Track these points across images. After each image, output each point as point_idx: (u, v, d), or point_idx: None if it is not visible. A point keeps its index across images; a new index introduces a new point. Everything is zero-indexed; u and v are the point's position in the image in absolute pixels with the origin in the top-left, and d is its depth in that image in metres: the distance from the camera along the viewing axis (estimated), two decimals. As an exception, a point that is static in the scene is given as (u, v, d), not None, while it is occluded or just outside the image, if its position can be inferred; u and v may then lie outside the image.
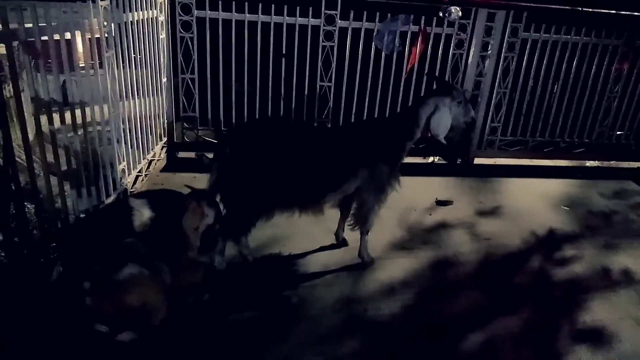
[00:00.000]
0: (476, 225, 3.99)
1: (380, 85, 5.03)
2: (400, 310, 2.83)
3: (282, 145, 2.71)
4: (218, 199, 2.85)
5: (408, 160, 5.15)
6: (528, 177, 5.17)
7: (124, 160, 3.59)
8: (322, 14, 4.61)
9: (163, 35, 4.38)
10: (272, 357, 2.40)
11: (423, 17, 4.76)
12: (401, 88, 5.05)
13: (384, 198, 3.06)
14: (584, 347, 2.63)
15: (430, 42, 4.90)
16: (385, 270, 3.23)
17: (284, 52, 4.73)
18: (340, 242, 3.46)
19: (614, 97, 5.47)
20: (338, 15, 4.64)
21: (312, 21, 4.65)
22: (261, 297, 2.88)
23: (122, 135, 3.55)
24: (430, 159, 5.52)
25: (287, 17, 4.60)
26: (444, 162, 5.50)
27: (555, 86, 5.32)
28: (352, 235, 3.36)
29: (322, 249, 3.43)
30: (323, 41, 4.72)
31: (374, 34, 4.81)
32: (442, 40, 4.92)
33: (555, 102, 5.38)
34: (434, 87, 3.18)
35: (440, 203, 4.35)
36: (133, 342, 2.38)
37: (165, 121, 4.65)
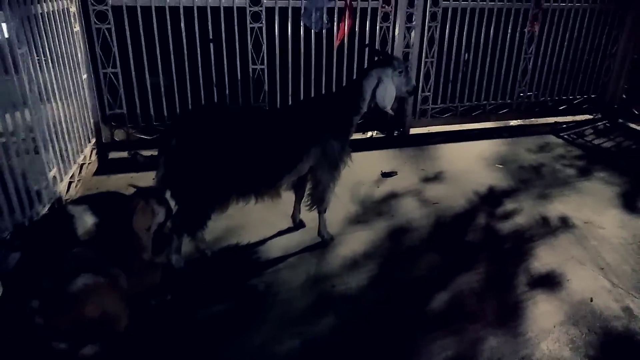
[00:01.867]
0: (422, 191, 4.12)
1: (313, 64, 4.99)
2: (367, 282, 2.88)
3: (231, 130, 2.61)
4: (168, 195, 2.71)
5: (348, 136, 5.35)
6: (461, 142, 5.42)
7: (54, 167, 3.29)
8: (247, -5, 4.48)
9: (77, 28, 4.03)
10: (247, 346, 2.35)
11: (349, -9, 4.77)
12: (334, 65, 5.05)
13: (337, 175, 3.06)
14: (540, 290, 2.83)
15: (357, 17, 4.93)
16: (345, 245, 3.26)
17: (210, 37, 4.55)
18: (298, 224, 3.44)
19: (529, 57, 5.85)
20: (263, -6, 4.53)
21: (237, 2, 4.50)
22: (227, 289, 2.79)
23: (48, 140, 3.24)
24: (369, 134, 5.60)
25: (210, 0, 4.41)
26: (381, 135, 5.62)
27: (477, 52, 5.58)
28: (308, 216, 3.34)
29: (280, 233, 3.38)
30: (250, 23, 4.59)
31: (302, 12, 4.75)
32: (369, 14, 4.97)
33: (478, 67, 5.65)
34: (375, 59, 3.19)
35: (386, 175, 4.45)
36: (97, 356, 2.22)
37: (91, 121, 4.32)
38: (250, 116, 2.76)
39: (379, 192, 4.09)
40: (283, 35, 4.77)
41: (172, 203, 2.71)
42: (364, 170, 4.49)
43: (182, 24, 4.39)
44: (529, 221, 3.65)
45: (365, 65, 5.02)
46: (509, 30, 5.58)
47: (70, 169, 3.61)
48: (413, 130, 5.65)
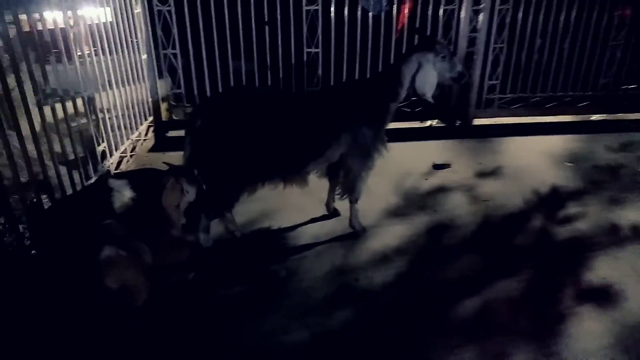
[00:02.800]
0: (475, 187, 3.83)
1: (370, 49, 4.81)
2: (393, 279, 2.72)
3: (256, 113, 2.56)
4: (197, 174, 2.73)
5: (404, 125, 5.10)
6: (530, 135, 4.96)
7: (103, 142, 3.47)
8: (303, -24, 4.38)
9: (138, 10, 4.20)
10: (256, 332, 2.31)
11: (410, -28, 4.51)
12: (392, 50, 4.83)
13: (370, 164, 2.92)
14: (589, 306, 2.50)
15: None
16: (378, 238, 3.10)
17: (266, 20, 4.53)
18: (332, 213, 3.34)
19: (618, 45, 5.19)
20: (320, -24, 4.41)
21: (294, -16, 4.43)
22: (249, 272, 2.78)
23: (105, 116, 3.42)
24: (428, 123, 5.32)
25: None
26: (442, 124, 5.31)
27: (555, 38, 5.05)
28: (344, 205, 3.22)
29: (313, 220, 3.31)
30: (306, 5, 4.50)
31: (360, -7, 4.58)
32: (432, -4, 4.68)
33: (556, 55, 5.12)
34: (416, 42, 2.98)
35: (438, 167, 4.19)
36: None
37: (149, 100, 4.51)
38: (278, 99, 2.69)
39: (426, 185, 3.86)
40: (339, 19, 4.63)
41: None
42: (414, 160, 4.28)
43: (239, 7, 4.40)
44: (592, 228, 3.24)
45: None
46: (595, 14, 4.97)
47: (121, 145, 3.79)
48: (477, 121, 5.28)
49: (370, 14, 4.64)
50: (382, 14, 4.66)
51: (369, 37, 4.75)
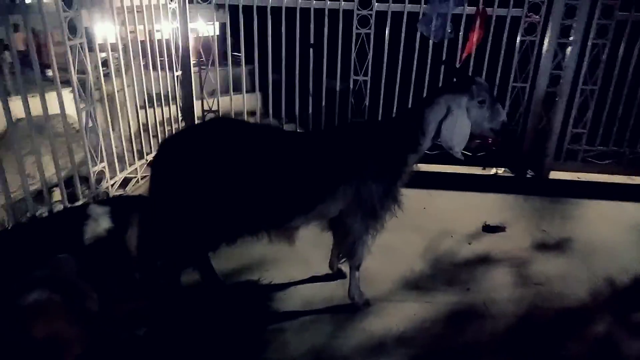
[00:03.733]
0: (529, 263, 3.04)
1: (427, 80, 4.19)
2: (381, 381, 2.10)
3: (233, 151, 2.11)
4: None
5: (460, 169, 4.38)
6: (617, 201, 3.98)
7: (98, 163, 3.22)
8: (356, -5, 3.92)
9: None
10: None
11: (482, -5, 3.85)
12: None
13: (376, 226, 2.34)
14: None
15: (492, 27, 3.96)
16: (381, 317, 2.48)
17: (312, 42, 4.12)
18: (336, 273, 2.78)
19: None
20: (375, -3, 3.91)
21: (344, 4, 3.98)
22: (213, 336, 2.31)
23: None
24: (493, 171, 4.54)
25: (314, 2, 3.98)
26: (509, 174, 4.50)
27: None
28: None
29: (314, 279, 2.77)
30: (357, 28, 4.02)
31: (419, 17, 3.99)
32: (507, 24, 3.95)
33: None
34: (448, 81, 2.37)
35: (489, 229, 3.44)
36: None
37: (180, 117, 4.29)
38: (264, 137, 2.21)
39: (467, 251, 3.14)
40: (393, 45, 4.09)
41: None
42: (462, 216, 3.57)
43: (283, 27, 4.04)
44: (684, 349, 2.34)
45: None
46: None
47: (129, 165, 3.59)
48: (554, 175, 4.40)
49: (431, 41, 4.03)
50: (445, 42, 4.03)
51: (427, 67, 4.13)
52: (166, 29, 3.85)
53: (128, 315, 2.32)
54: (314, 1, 3.97)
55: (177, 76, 4.03)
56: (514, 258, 3.08)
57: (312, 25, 4.03)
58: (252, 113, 4.51)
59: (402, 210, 2.39)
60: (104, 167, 3.21)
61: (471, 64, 4.10)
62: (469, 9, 3.92)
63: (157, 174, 2.19)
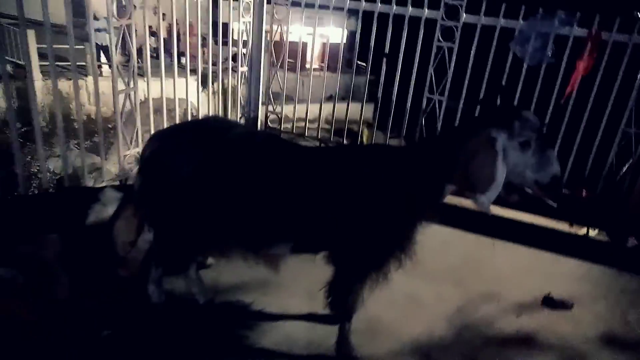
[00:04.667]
0: (590, 357, 2.35)
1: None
2: None
3: (212, 160, 1.84)
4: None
5: (541, 221, 3.64)
6: None
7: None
8: (442, 4, 3.44)
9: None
10: None
11: (597, 15, 3.13)
12: (547, 117, 3.47)
13: (372, 275, 1.90)
14: None
15: (605, 55, 3.21)
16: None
17: (386, 51, 3.73)
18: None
19: None
20: (464, 7, 3.39)
21: (428, 13, 3.52)
22: (175, 348, 2.09)
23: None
24: (584, 231, 3.72)
25: (394, 8, 3.58)
26: (604, 238, 3.65)
27: None
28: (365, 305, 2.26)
29: (308, 317, 2.40)
30: (439, 41, 3.54)
31: (515, 35, 3.38)
32: (629, 52, 3.17)
33: None
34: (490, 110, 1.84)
35: (550, 302, 2.76)
36: None
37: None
38: (251, 146, 1.90)
39: (509, 325, 2.54)
40: (478, 63, 3.53)
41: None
42: (521, 280, 2.96)
43: (357, 33, 3.71)
44: None
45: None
46: None
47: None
48: (666, 250, 3.46)
49: (525, 64, 3.40)
50: (543, 67, 3.37)
51: (516, 94, 3.50)
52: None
53: (95, 310, 2.19)
54: (395, 6, 3.56)
55: (243, 73, 3.88)
56: (569, 348, 2.41)
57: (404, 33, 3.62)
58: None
59: (412, 260, 1.93)
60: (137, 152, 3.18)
61: (572, 98, 3.38)
62: (579, 31, 3.22)
63: (140, 168, 2.01)
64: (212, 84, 3.71)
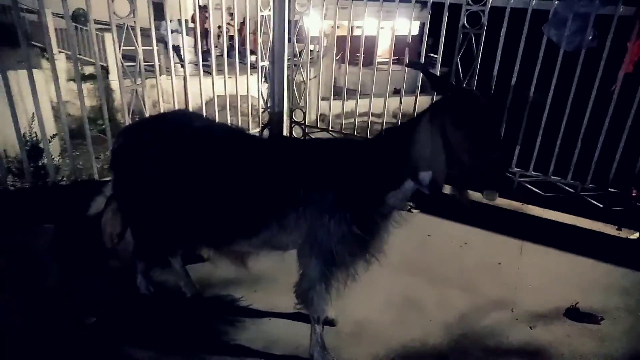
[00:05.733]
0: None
1: (549, 100, 3.21)
2: None
3: (169, 154, 1.82)
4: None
5: (582, 223, 3.25)
6: None
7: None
8: (466, -13, 3.18)
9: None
10: None
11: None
12: (589, 107, 3.09)
13: (337, 275, 1.78)
14: None
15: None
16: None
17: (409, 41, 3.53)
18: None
19: None
20: (492, -10, 3.12)
21: (451, -3, 3.28)
22: (156, 339, 2.10)
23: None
24: (636, 235, 3.27)
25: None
26: (661, 246, 3.18)
27: None
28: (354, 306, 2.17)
29: (294, 316, 2.28)
30: (465, 27, 3.29)
31: (549, 18, 3.05)
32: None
33: None
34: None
35: (575, 314, 2.45)
36: None
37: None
38: (214, 139, 1.85)
39: (519, 337, 2.27)
40: (509, 50, 3.22)
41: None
42: (545, 287, 2.68)
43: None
44: None
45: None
46: None
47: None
48: None
49: (562, 50, 3.05)
50: (583, 52, 3.00)
51: (552, 83, 3.16)
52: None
53: (82, 300, 2.26)
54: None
55: (264, 67, 3.88)
56: (588, 369, 2.11)
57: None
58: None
59: (379, 261, 1.79)
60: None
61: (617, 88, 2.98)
62: (625, 10, 2.83)
63: (110, 162, 2.05)
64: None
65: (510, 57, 3.21)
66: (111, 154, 2.03)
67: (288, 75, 4.04)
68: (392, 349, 2.15)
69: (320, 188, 1.68)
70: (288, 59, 3.95)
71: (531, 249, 3.07)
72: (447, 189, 1.71)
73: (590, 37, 2.95)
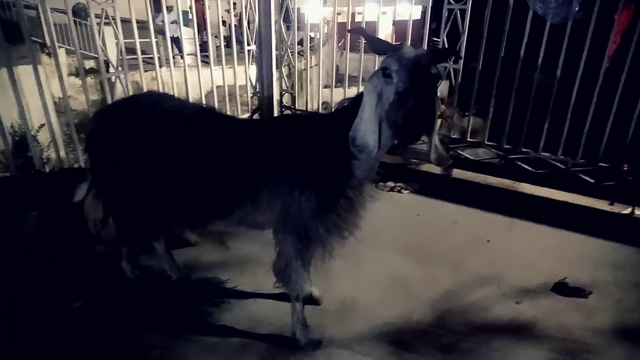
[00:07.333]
0: (591, 355, 2.03)
1: (536, 77, 3.17)
2: None
3: (138, 136, 1.82)
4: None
5: (575, 199, 3.21)
6: None
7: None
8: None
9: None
10: None
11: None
12: (577, 80, 3.05)
13: (312, 251, 1.78)
14: None
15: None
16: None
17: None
18: (307, 298, 2.26)
19: None
20: (474, -38, 3.07)
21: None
22: (139, 320, 2.12)
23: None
24: (627, 210, 3.24)
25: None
26: (653, 219, 3.15)
27: None
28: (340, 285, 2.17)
29: (279, 296, 2.26)
30: (449, 3, 3.24)
31: (534, -10, 3.00)
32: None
33: None
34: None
35: (563, 289, 2.44)
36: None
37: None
38: (184, 118, 1.84)
39: (504, 312, 2.27)
40: (495, 26, 3.18)
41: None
42: (534, 263, 2.67)
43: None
44: None
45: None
46: None
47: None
48: None
49: (548, 23, 3.01)
50: (569, 24, 2.95)
51: (538, 58, 3.11)
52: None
53: (68, 285, 2.27)
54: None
55: (249, 51, 3.86)
56: (571, 341, 2.10)
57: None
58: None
59: (351, 235, 1.78)
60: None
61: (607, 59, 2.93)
62: (611, -22, 2.78)
63: (85, 145, 2.05)
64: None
65: (497, 33, 3.17)
66: (85, 137, 2.02)
67: (277, 59, 4.01)
68: (376, 326, 2.15)
69: (288, 163, 1.67)
70: (290, 47, 3.94)
71: (522, 226, 3.05)
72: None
73: (577, 9, 2.90)
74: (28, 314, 2.09)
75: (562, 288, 2.44)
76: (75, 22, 2.94)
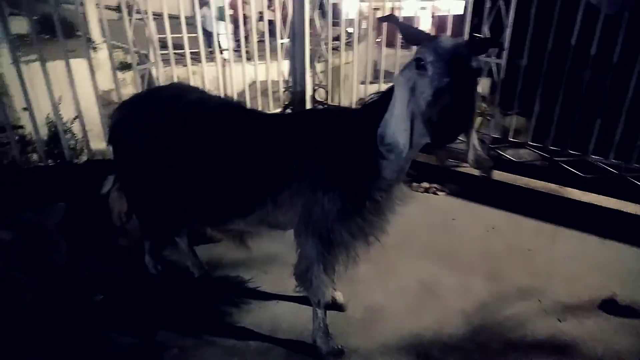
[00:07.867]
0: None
1: (587, 74, 2.93)
2: None
3: (167, 126, 1.75)
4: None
5: (624, 208, 2.93)
6: None
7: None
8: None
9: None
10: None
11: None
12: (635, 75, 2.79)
13: (335, 255, 1.66)
14: None
15: None
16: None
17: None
18: (331, 303, 2.15)
19: None
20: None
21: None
22: (158, 317, 2.07)
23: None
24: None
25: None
26: None
27: None
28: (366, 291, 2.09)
29: (302, 300, 2.16)
30: None
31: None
32: None
33: None
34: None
35: (612, 307, 2.23)
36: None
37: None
38: (209, 113, 1.76)
39: (545, 330, 2.08)
40: (541, 20, 2.96)
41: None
42: (580, 277, 2.46)
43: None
44: None
45: None
46: None
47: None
48: None
49: (602, 14, 2.76)
50: (626, 15, 2.70)
51: (588, 55, 2.87)
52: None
53: (91, 278, 2.25)
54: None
55: (282, 44, 3.78)
56: (622, 366, 1.90)
57: None
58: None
59: (379, 240, 1.65)
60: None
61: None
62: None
63: (109, 138, 2.00)
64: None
65: (544, 26, 2.95)
66: (109, 129, 1.98)
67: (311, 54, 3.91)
68: (403, 337, 2.02)
69: (312, 162, 1.56)
70: (325, 42, 3.85)
71: (567, 235, 2.83)
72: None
73: None
74: (51, 305, 2.08)
75: (611, 306, 2.22)
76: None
